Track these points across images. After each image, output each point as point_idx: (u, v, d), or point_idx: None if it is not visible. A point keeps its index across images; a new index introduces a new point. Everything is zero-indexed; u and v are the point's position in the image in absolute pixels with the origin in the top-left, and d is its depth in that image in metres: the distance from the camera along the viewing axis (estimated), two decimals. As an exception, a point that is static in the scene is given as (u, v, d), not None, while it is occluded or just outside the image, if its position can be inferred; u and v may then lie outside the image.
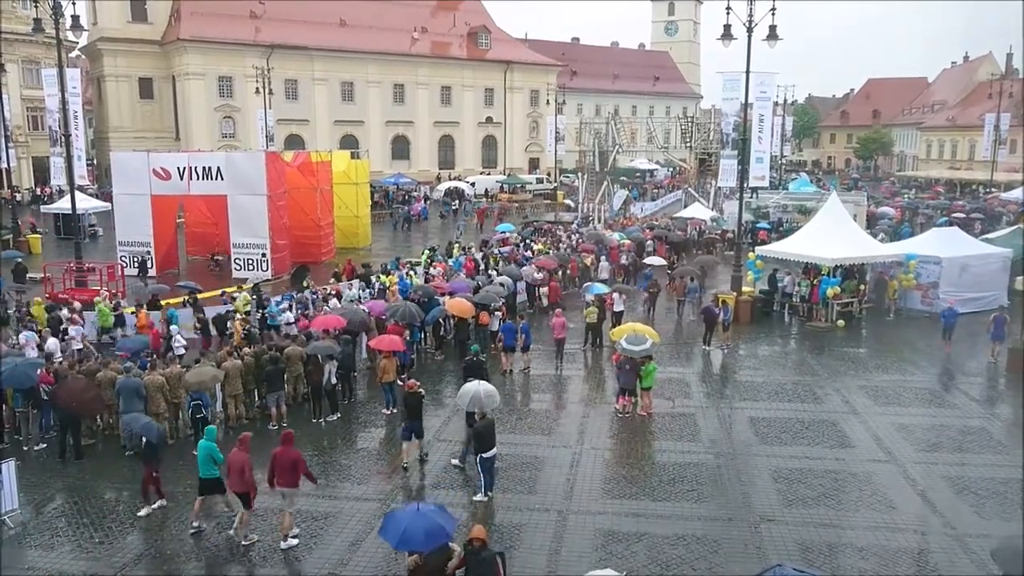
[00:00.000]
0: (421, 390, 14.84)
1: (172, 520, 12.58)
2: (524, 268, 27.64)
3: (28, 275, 29.79)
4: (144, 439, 12.81)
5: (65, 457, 14.77)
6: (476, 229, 47.52)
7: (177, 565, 11.31)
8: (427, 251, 31.90)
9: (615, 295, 24.01)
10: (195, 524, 12.18)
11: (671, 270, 31.00)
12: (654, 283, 26.39)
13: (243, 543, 11.78)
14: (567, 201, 61.15)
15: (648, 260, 31.36)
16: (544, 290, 27.32)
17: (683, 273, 27.66)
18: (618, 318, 23.15)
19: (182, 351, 19.09)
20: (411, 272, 26.50)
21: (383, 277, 25.82)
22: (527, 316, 24.03)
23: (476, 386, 14.00)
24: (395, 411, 17.18)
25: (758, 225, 40.21)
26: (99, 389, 15.33)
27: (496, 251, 31.94)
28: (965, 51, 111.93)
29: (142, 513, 12.62)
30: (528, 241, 35.00)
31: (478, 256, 30.62)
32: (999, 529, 12.20)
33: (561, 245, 34.24)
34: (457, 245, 34.01)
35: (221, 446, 12.39)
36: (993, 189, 61.11)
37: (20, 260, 30.56)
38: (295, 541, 11.85)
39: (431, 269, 27.60)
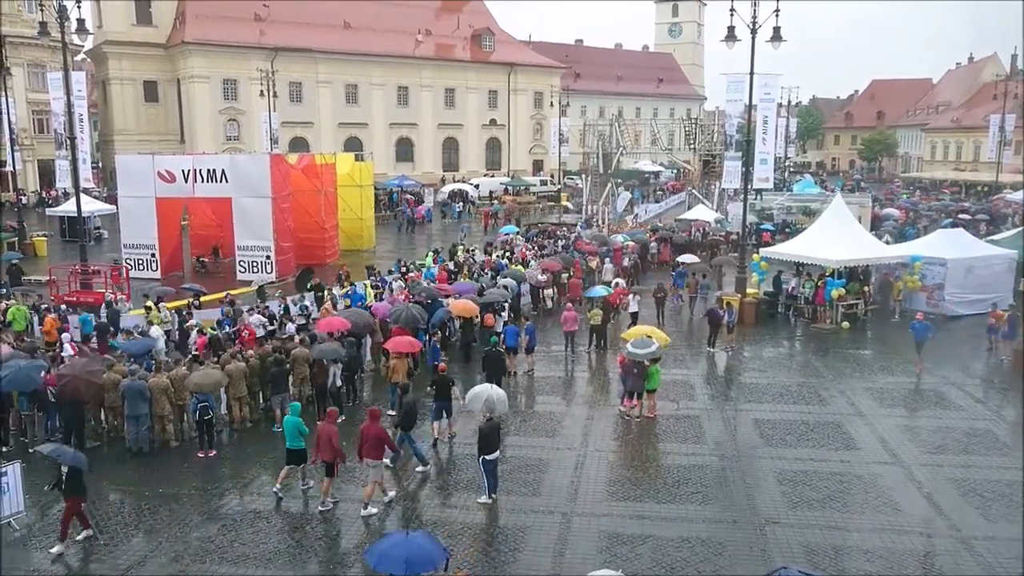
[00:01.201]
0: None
1: (177, 521, 12.60)
2: (528, 270, 27.67)
3: (29, 277, 29.96)
4: (67, 469, 11.72)
5: (70, 459, 14.78)
6: (482, 231, 47.58)
7: (183, 566, 11.32)
8: (431, 253, 31.93)
9: (631, 296, 24.16)
10: (276, 488, 13.35)
11: (673, 271, 31.25)
12: (660, 287, 26.38)
13: (320, 508, 12.83)
14: (566, 203, 61.08)
15: (682, 258, 31.57)
16: (548, 292, 27.38)
17: (696, 270, 28.05)
18: (634, 319, 23.52)
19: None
20: (367, 283, 24.99)
21: (332, 289, 24.33)
22: (531, 318, 24.04)
23: (488, 389, 14.00)
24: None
25: (762, 227, 40.19)
26: (100, 369, 15.64)
27: (471, 259, 30.58)
28: (969, 52, 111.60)
29: (55, 551, 11.57)
30: (504, 250, 33.38)
31: (451, 264, 29.21)
32: (1005, 531, 12.18)
33: (542, 252, 32.55)
34: (461, 247, 34.02)
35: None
36: (1009, 190, 60.63)
37: (16, 262, 30.63)
38: (374, 510, 12.77)
39: (394, 283, 25.75)
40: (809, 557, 11.48)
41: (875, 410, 17.71)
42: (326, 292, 24.13)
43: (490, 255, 31.40)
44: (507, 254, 31.65)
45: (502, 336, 20.67)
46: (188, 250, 35.98)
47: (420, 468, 14.36)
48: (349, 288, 24.64)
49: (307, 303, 23.60)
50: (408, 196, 58.83)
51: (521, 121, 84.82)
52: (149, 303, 22.51)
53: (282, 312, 22.24)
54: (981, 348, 22.47)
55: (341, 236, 38.43)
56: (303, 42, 68.98)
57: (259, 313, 21.64)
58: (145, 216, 31.84)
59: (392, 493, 13.36)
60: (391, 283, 25.86)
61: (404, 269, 27.89)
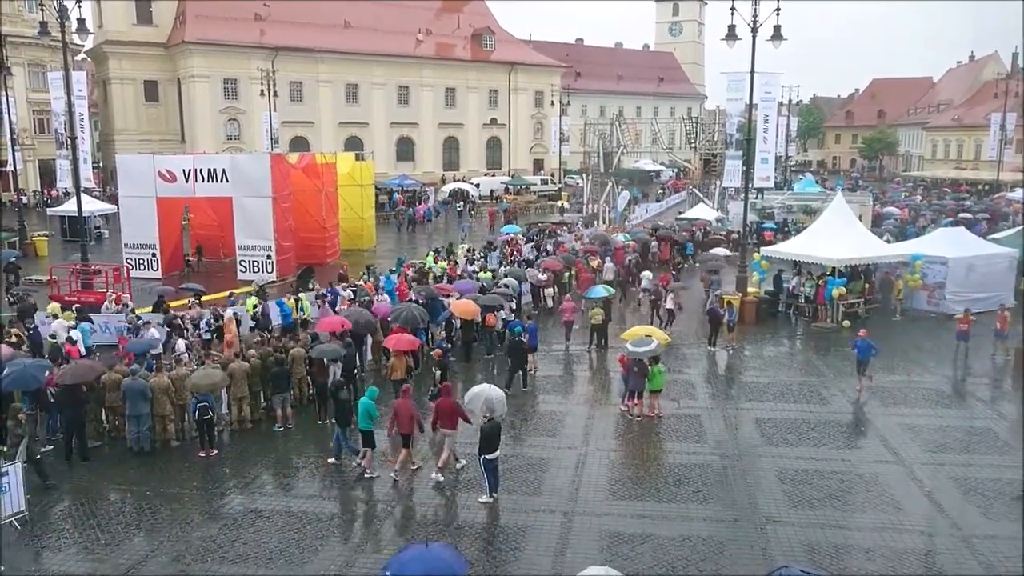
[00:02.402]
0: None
1: (178, 520, 12.61)
2: (529, 270, 27.65)
3: (30, 277, 29.94)
4: None
5: (71, 459, 14.81)
6: (488, 230, 47.54)
7: (184, 566, 11.33)
8: (432, 253, 31.91)
9: (668, 295, 24.72)
10: (362, 464, 14.31)
11: (675, 270, 31.44)
12: (656, 290, 26.31)
13: (393, 475, 13.96)
14: (561, 203, 60.77)
15: (714, 251, 31.74)
16: (549, 291, 27.38)
17: (711, 268, 28.66)
18: (670, 316, 24.19)
19: None
20: (301, 296, 23.11)
21: (249, 302, 22.79)
22: (532, 317, 24.01)
23: (487, 389, 14.01)
24: None
25: (763, 226, 40.16)
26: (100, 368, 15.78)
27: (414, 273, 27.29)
28: (970, 51, 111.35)
29: None
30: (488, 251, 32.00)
31: (410, 273, 26.77)
32: (1006, 530, 12.18)
33: (517, 259, 30.80)
34: (462, 247, 33.97)
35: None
36: (1018, 189, 60.23)
37: (13, 260, 30.60)
38: (442, 478, 13.89)
39: (343, 292, 23.87)
40: (810, 556, 11.48)
41: (876, 409, 17.71)
42: (235, 309, 21.65)
43: (455, 263, 29.11)
44: (471, 261, 29.67)
45: (507, 331, 20.94)
46: (189, 250, 36.02)
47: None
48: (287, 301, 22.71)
49: (228, 312, 21.21)
50: (396, 195, 57.46)
51: (522, 120, 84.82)
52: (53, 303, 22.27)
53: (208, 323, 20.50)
54: (982, 347, 22.39)
55: (342, 236, 38.44)
56: (303, 42, 69.00)
57: (159, 325, 20.10)
58: (146, 216, 31.84)
59: (463, 462, 14.25)
60: (340, 293, 23.88)
61: (363, 276, 25.93)
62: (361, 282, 25.15)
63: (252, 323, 21.90)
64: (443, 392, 14.54)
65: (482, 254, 31.89)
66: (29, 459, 13.31)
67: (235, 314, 20.97)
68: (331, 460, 14.73)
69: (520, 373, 19.13)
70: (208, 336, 20.63)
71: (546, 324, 24.82)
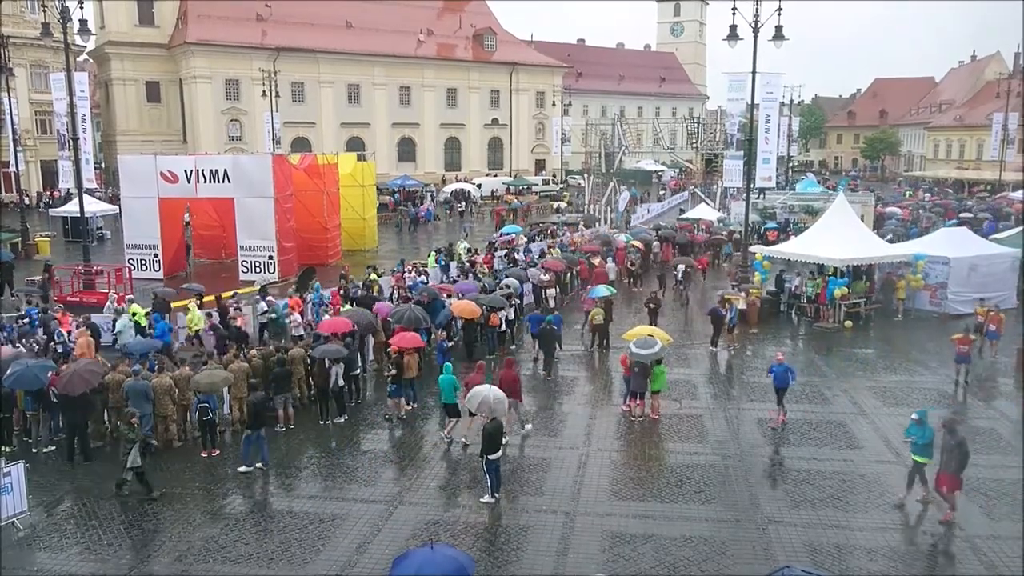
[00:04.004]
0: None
1: (181, 520, 12.62)
2: (530, 269, 27.63)
3: (33, 278, 29.94)
4: None
5: (74, 459, 14.82)
6: (494, 230, 47.50)
7: (186, 566, 11.34)
8: (433, 253, 31.91)
9: (741, 293, 25.20)
10: (447, 437, 15.59)
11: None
12: (653, 297, 26.13)
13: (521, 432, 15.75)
14: (558, 204, 60.51)
15: (754, 249, 32.20)
16: (551, 291, 27.34)
17: (736, 263, 29.58)
18: (739, 319, 24.16)
19: None
20: (190, 306, 21.38)
21: (132, 309, 21.31)
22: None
23: (486, 390, 14.02)
24: (415, 407, 17.57)
25: (767, 226, 40.11)
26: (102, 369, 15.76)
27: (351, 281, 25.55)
28: (972, 50, 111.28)
29: None
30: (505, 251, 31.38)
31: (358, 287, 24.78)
32: (1008, 530, 12.17)
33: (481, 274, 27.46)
34: (463, 247, 33.95)
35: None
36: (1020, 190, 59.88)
37: (7, 261, 30.67)
38: (530, 426, 16.27)
39: (260, 301, 22.30)
40: (812, 556, 11.47)
41: (878, 409, 17.70)
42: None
43: (401, 273, 26.76)
44: (420, 273, 27.04)
45: (527, 325, 21.81)
46: (191, 250, 36.01)
47: (259, 465, 14.48)
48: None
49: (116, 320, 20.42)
50: (389, 198, 56.98)
51: (523, 121, 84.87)
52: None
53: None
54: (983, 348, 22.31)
55: (343, 236, 38.47)
56: (305, 42, 69.10)
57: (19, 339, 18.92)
58: (148, 216, 31.88)
59: (530, 425, 16.16)
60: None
61: (290, 291, 23.79)
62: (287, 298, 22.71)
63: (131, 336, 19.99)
64: (506, 365, 15.95)
65: (440, 263, 29.69)
66: (135, 467, 13.24)
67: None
68: (241, 468, 14.40)
69: (547, 359, 19.94)
70: (60, 349, 18.55)
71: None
